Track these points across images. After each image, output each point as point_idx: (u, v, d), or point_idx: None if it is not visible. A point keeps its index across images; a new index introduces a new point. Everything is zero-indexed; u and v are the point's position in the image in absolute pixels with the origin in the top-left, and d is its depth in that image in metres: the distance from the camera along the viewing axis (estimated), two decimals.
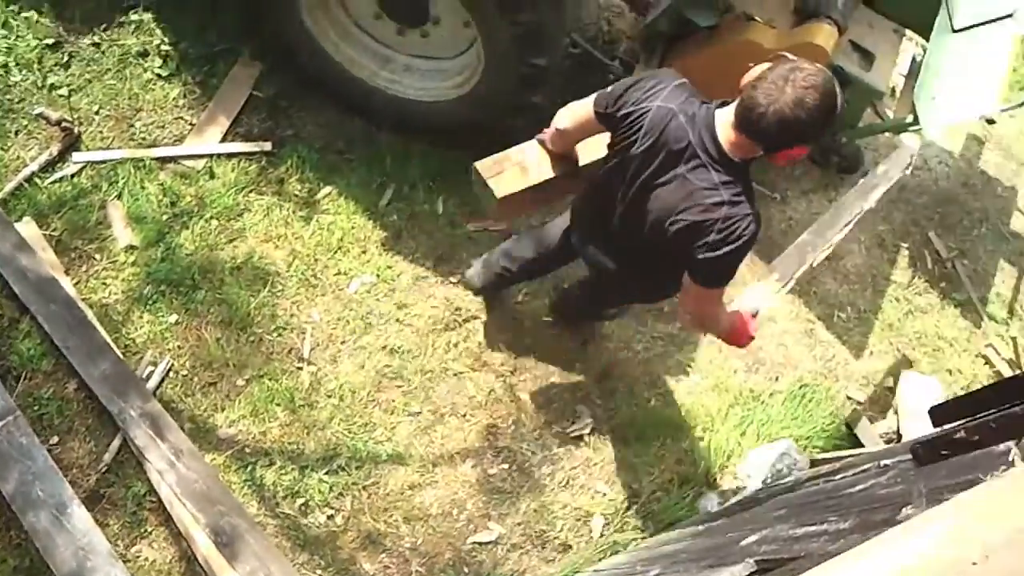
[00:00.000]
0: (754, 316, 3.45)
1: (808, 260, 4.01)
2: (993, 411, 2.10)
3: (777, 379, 4.55)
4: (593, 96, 3.13)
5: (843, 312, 4.77)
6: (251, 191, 4.50)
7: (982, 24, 4.39)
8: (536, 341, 4.39)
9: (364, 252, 4.45)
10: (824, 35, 4.22)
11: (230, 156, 4.55)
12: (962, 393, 4.53)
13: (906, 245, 5.01)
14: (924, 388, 4.39)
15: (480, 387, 4.22)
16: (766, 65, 2.76)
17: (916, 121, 4.35)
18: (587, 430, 4.23)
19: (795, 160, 2.86)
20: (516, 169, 3.49)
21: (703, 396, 4.43)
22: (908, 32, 4.72)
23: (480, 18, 3.96)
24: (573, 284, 4.33)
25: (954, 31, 4.45)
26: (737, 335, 3.34)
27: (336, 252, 4.43)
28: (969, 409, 2.21)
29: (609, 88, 3.09)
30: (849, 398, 4.56)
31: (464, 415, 4.15)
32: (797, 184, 5.08)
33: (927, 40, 4.50)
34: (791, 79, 2.64)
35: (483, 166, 3.50)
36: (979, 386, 4.55)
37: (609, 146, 3.16)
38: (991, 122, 4.25)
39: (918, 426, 4.13)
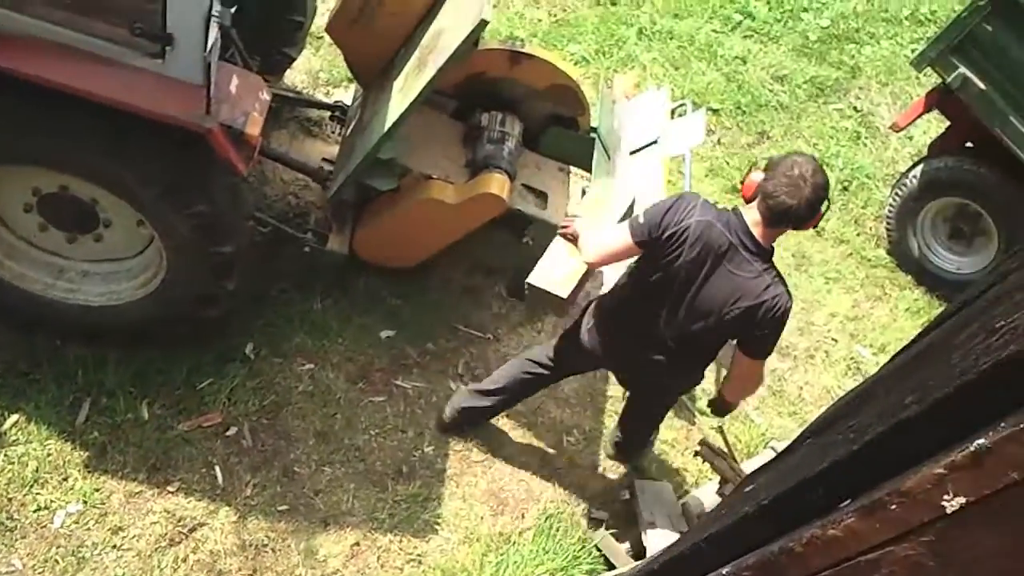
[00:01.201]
0: None
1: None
2: None
3: (523, 516, 4.58)
4: (624, 229, 3.67)
5: (571, 436, 4.92)
6: None
7: (635, 152, 4.84)
8: (272, 535, 4.16)
9: (66, 479, 4.06)
10: (497, 184, 4.48)
11: None
12: (692, 492, 4.77)
13: None
14: (657, 494, 4.58)
15: None
16: (760, 175, 3.50)
17: None
18: None
19: (820, 218, 3.53)
20: (562, 269, 3.98)
21: (456, 551, 4.36)
22: (572, 168, 5.10)
23: (152, 216, 3.84)
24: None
25: (610, 160, 4.88)
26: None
27: (33, 485, 4.01)
28: None
29: (640, 219, 3.64)
30: (593, 519, 4.66)
31: None
32: (506, 321, 5.25)
33: (590, 173, 4.89)
34: (800, 173, 3.39)
35: (536, 280, 3.97)
36: (706, 482, 4.81)
37: (649, 260, 3.68)
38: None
39: (658, 535, 4.27)
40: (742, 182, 3.70)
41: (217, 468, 4.29)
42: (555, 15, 6.77)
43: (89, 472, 4.11)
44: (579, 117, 4.86)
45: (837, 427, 1.74)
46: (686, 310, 3.66)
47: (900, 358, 2.01)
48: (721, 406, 4.27)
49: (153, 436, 4.29)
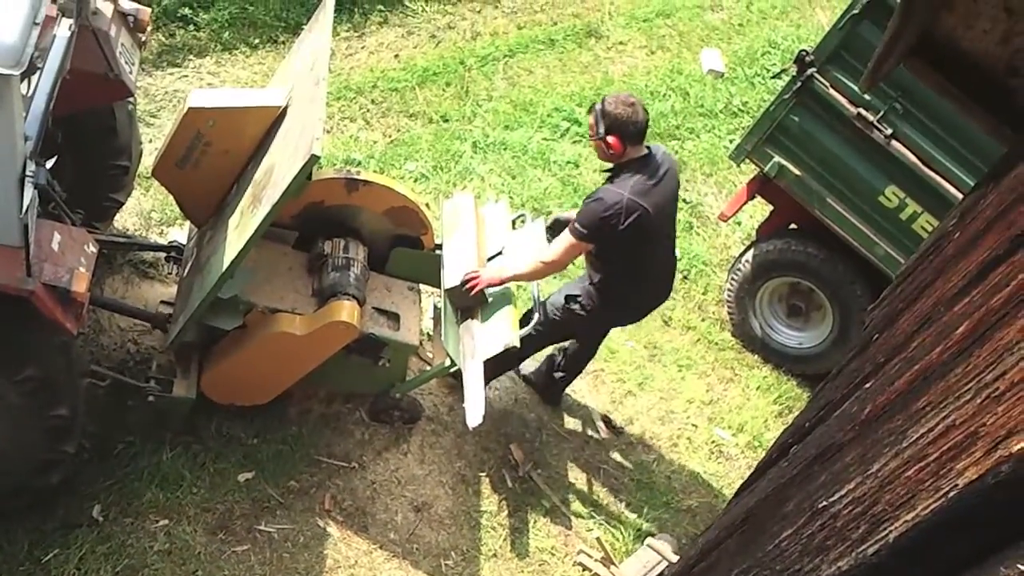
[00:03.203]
0: None
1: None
2: None
3: None
4: (569, 239, 4.54)
5: (448, 559, 4.79)
6: None
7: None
8: None
9: None
10: (347, 311, 4.42)
11: None
12: None
13: (484, 473, 5.23)
14: None
15: None
16: (613, 139, 4.43)
17: (454, 363, 4.66)
18: None
19: None
20: (460, 267, 4.76)
21: None
22: (422, 286, 5.10)
23: None
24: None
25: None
26: None
27: None
28: None
29: (583, 229, 4.49)
30: None
31: None
32: (370, 447, 5.12)
33: (439, 289, 4.90)
34: (622, 100, 4.47)
35: (448, 283, 4.75)
36: None
37: (622, 240, 4.54)
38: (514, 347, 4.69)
39: None
40: (611, 159, 4.57)
41: None
42: (390, 135, 6.86)
43: None
44: (422, 236, 4.89)
45: None
46: (670, 228, 4.88)
47: (743, 500, 2.03)
48: None
49: None
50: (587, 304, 4.86)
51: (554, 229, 4.91)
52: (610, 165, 4.66)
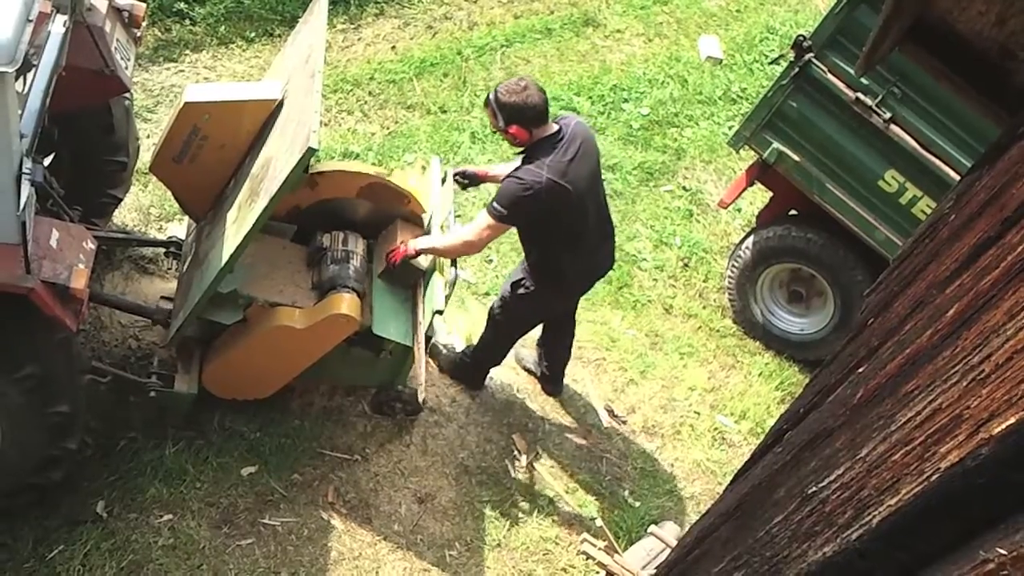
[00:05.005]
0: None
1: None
2: None
3: None
4: (487, 219, 4.41)
5: (452, 549, 4.81)
6: None
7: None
8: None
9: None
10: (347, 304, 4.42)
11: None
12: None
13: (487, 464, 5.24)
14: None
15: None
16: (517, 128, 4.37)
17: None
18: None
19: None
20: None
21: None
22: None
23: None
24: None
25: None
26: None
27: None
28: None
29: (503, 211, 4.38)
30: None
31: None
32: (373, 439, 5.13)
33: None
34: (513, 87, 4.36)
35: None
36: None
37: (548, 219, 4.51)
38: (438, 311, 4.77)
39: None
40: (521, 145, 4.48)
41: None
42: (387, 127, 6.86)
43: None
44: (406, 206, 4.79)
45: None
46: (597, 207, 4.74)
47: (737, 487, 2.04)
48: None
49: None
50: (531, 285, 4.84)
51: (468, 178, 5.02)
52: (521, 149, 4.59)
